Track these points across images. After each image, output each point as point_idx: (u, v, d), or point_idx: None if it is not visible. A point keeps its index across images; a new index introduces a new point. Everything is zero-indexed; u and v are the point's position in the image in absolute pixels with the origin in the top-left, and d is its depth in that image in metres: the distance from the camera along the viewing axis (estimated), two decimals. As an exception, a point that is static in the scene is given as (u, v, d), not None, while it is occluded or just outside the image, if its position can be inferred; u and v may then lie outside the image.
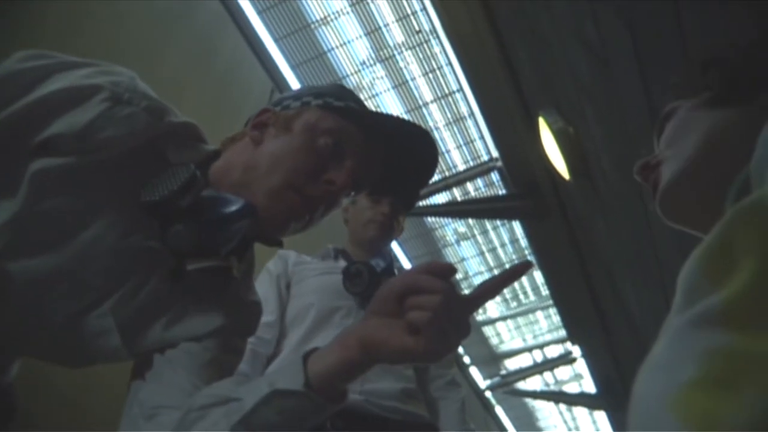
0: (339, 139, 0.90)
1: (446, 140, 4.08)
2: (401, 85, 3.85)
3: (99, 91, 0.81)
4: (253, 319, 1.01)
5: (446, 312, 0.68)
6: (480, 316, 5.48)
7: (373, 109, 3.35)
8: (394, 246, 4.51)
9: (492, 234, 4.83)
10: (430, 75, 3.75)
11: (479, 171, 4.13)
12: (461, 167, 4.17)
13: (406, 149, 0.95)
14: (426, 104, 3.91)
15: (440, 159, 4.05)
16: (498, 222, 4.66)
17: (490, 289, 0.74)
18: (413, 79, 3.80)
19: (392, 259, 1.66)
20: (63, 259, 0.81)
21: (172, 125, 0.88)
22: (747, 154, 0.50)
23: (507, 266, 5.16)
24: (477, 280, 5.19)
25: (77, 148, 0.79)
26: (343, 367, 0.72)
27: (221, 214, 0.81)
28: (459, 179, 4.15)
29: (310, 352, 0.75)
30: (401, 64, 3.76)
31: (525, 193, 3.59)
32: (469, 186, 4.26)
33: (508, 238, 4.91)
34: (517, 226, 4.61)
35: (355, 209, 1.73)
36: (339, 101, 0.93)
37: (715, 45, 0.80)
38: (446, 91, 3.83)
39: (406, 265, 4.64)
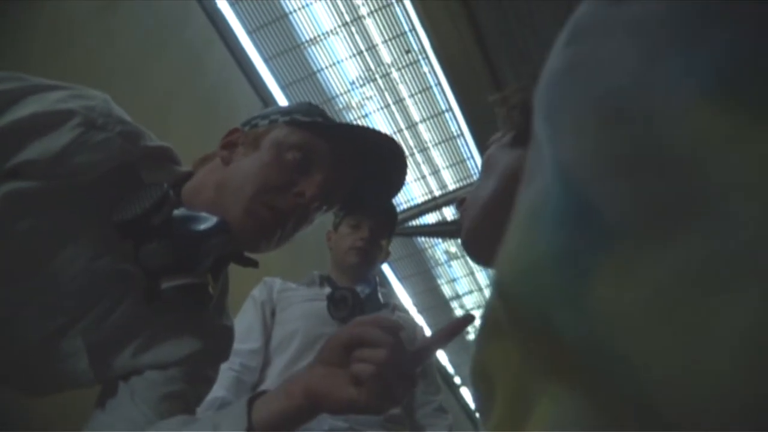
0: (306, 153, 0.90)
1: (436, 160, 4.08)
2: (391, 105, 3.86)
3: (72, 117, 0.79)
4: (225, 345, 0.99)
5: (391, 366, 0.70)
6: (471, 335, 5.45)
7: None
8: (384, 267, 4.50)
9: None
10: (420, 95, 3.77)
11: (470, 191, 4.13)
12: (451, 187, 4.18)
13: (374, 158, 0.95)
14: (416, 124, 3.92)
15: (431, 179, 4.07)
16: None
17: (435, 342, 0.76)
18: (403, 99, 3.81)
19: (377, 284, 1.65)
20: (34, 282, 0.80)
21: (147, 149, 0.86)
22: None
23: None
24: (468, 300, 5.18)
25: (50, 173, 0.78)
26: (286, 415, 0.74)
27: (195, 230, 0.80)
28: (449, 199, 4.15)
29: (256, 396, 0.76)
30: (391, 84, 3.77)
31: (515, 213, 3.59)
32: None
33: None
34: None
35: (337, 236, 1.72)
36: (306, 116, 0.94)
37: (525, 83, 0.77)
38: (436, 111, 3.84)
39: (397, 286, 4.62)
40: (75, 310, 0.83)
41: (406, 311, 1.88)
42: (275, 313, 1.62)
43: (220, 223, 0.82)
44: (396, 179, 1.00)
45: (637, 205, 0.24)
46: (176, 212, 0.82)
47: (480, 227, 0.72)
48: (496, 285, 0.30)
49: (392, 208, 1.78)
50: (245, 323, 1.58)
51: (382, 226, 1.70)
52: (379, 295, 1.64)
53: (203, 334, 0.92)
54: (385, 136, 0.95)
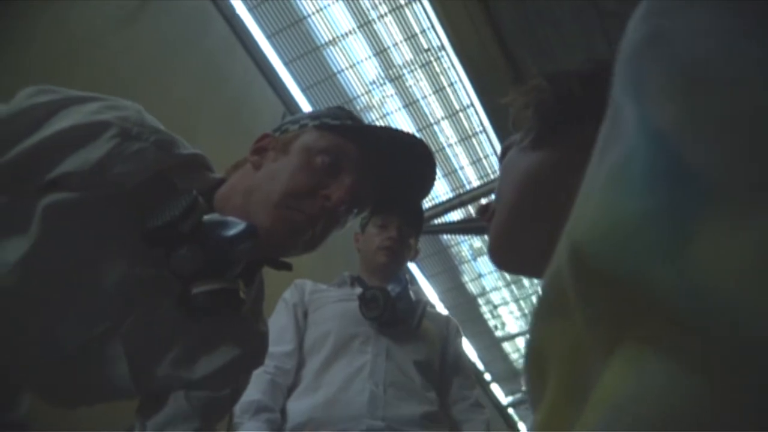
0: (336, 157, 0.90)
1: (459, 156, 4.07)
2: (412, 104, 3.86)
3: (108, 128, 0.81)
4: (260, 351, 1.00)
5: None
6: (499, 332, 5.43)
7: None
8: (412, 266, 4.50)
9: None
10: (440, 93, 3.76)
11: (493, 187, 4.11)
12: (475, 183, 4.16)
13: (403, 161, 0.95)
14: (437, 122, 3.91)
15: (453, 176, 4.06)
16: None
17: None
18: (424, 97, 3.81)
19: (407, 282, 1.65)
20: (74, 290, 0.82)
21: (181, 157, 0.87)
22: (568, 195, 0.47)
23: (524, 281, 5.13)
24: (495, 296, 5.16)
25: (88, 184, 0.79)
26: None
27: (224, 236, 0.81)
28: (473, 196, 4.13)
29: None
30: (410, 83, 3.77)
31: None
32: (484, 202, 4.24)
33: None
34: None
35: (365, 237, 1.73)
36: (335, 120, 0.94)
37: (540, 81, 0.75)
38: (456, 108, 3.83)
39: (424, 284, 4.62)
40: (114, 317, 0.85)
41: (434, 307, 1.88)
42: (307, 314, 1.64)
43: (248, 227, 0.82)
44: (425, 181, 1.01)
45: (739, 168, 0.25)
46: (206, 218, 0.83)
47: (507, 236, 0.71)
48: (570, 252, 0.30)
49: (419, 206, 1.77)
50: (278, 326, 1.60)
51: (410, 225, 1.70)
52: (410, 293, 1.64)
53: (239, 341, 0.93)
54: (414, 137, 0.96)
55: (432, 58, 3.60)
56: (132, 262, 0.84)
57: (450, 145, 4.00)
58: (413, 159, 0.97)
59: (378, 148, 0.93)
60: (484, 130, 3.83)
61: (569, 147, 0.66)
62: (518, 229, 0.69)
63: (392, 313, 1.56)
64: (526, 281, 5.14)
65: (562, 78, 0.72)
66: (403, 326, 1.59)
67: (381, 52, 3.60)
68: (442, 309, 4.91)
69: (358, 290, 1.64)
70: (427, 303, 1.71)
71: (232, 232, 0.81)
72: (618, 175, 0.29)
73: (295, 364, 1.55)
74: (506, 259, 0.74)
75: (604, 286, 0.27)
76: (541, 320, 0.34)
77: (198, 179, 0.90)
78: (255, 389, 1.44)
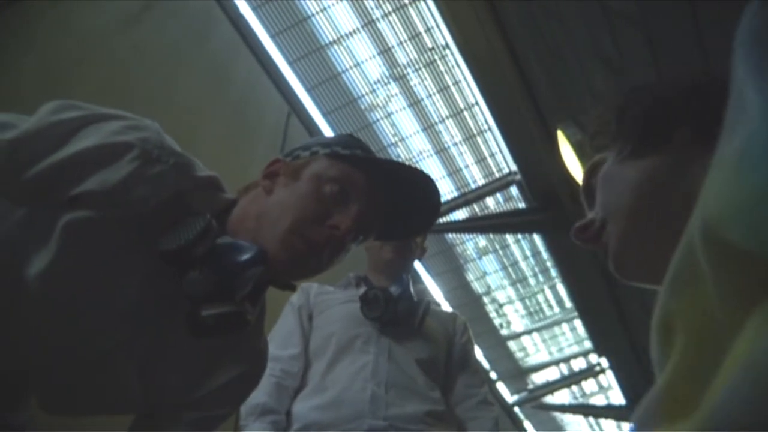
0: (344, 186, 0.92)
1: (464, 155, 4.07)
2: (416, 103, 3.86)
3: (130, 149, 0.82)
4: (259, 370, 1.02)
5: None
6: (504, 330, 5.44)
7: (388, 128, 3.39)
8: (417, 265, 4.51)
9: (514, 247, 4.81)
10: (445, 92, 3.76)
11: (498, 185, 4.11)
12: (480, 182, 4.17)
13: (410, 195, 0.98)
14: (442, 120, 3.91)
15: (458, 175, 4.07)
16: (519, 235, 4.64)
17: None
18: (429, 96, 3.81)
19: (408, 282, 1.65)
20: (89, 305, 0.84)
21: (197, 179, 0.89)
22: (683, 195, 0.48)
23: (530, 279, 5.13)
24: (500, 295, 5.16)
25: (108, 204, 0.81)
26: None
27: (235, 260, 0.83)
28: (478, 194, 4.14)
29: None
30: (415, 81, 3.77)
31: (545, 206, 3.57)
32: (489, 201, 4.24)
33: (530, 251, 4.88)
34: (538, 239, 4.59)
35: None
36: (345, 149, 0.97)
37: (625, 94, 0.77)
38: (461, 107, 3.83)
39: (429, 283, 4.62)
40: (126, 332, 0.87)
41: (440, 305, 1.89)
42: (312, 317, 1.65)
43: (259, 253, 0.84)
44: (429, 217, 1.03)
45: None
46: (219, 241, 0.85)
47: (633, 244, 0.71)
48: (702, 227, 0.33)
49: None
50: (285, 329, 1.61)
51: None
52: (412, 293, 1.64)
53: (240, 360, 0.96)
54: (421, 171, 0.99)
55: (436, 57, 3.60)
56: (146, 280, 0.86)
57: (455, 144, 4.00)
58: (420, 194, 0.99)
59: (386, 179, 0.96)
60: (489, 128, 3.83)
61: (671, 148, 0.69)
62: (644, 235, 0.70)
63: (393, 313, 1.56)
64: (531, 280, 5.15)
65: (643, 90, 0.75)
66: (405, 326, 1.60)
67: (385, 51, 3.60)
68: (447, 308, 4.92)
69: (363, 290, 1.65)
70: (431, 302, 1.71)
71: (244, 257, 0.83)
72: (745, 155, 0.31)
73: (301, 367, 1.56)
74: (635, 268, 0.73)
75: (735, 257, 0.30)
76: (670, 294, 0.37)
77: (212, 200, 0.92)
78: (261, 392, 1.45)
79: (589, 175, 0.81)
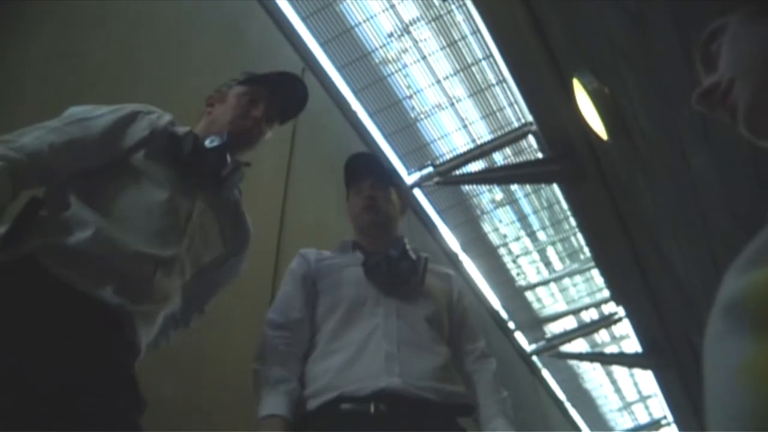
0: (251, 95, 1.55)
1: (478, 107, 4.07)
2: (428, 56, 3.84)
3: (140, 113, 1.43)
4: (245, 239, 1.59)
5: None
6: (521, 281, 5.49)
7: (402, 80, 3.52)
8: (435, 218, 4.55)
9: (531, 197, 4.84)
10: (459, 44, 3.74)
11: (514, 137, 4.11)
12: (496, 133, 4.17)
13: (291, 91, 1.65)
14: (457, 72, 3.90)
15: (473, 127, 4.06)
16: (535, 186, 4.65)
17: None
18: (442, 48, 3.79)
19: (404, 243, 1.70)
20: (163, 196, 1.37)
21: (170, 120, 1.49)
22: None
23: (547, 230, 5.15)
24: (516, 246, 5.20)
25: (146, 143, 1.38)
26: None
27: (218, 144, 1.42)
28: (494, 145, 4.14)
29: None
30: (428, 35, 3.75)
31: (562, 156, 3.57)
32: (508, 151, 4.25)
33: (546, 202, 4.90)
34: (554, 189, 4.60)
35: (349, 206, 1.83)
36: (245, 75, 1.62)
37: None
38: (474, 59, 3.81)
39: (447, 235, 4.66)
40: (191, 206, 1.42)
41: (437, 263, 1.93)
42: (316, 283, 1.69)
43: (224, 137, 1.43)
44: (301, 98, 1.67)
45: None
46: (205, 141, 1.43)
47: (765, 99, 0.72)
48: None
49: (382, 162, 2.02)
50: (287, 296, 1.65)
51: (380, 180, 1.78)
52: (410, 252, 1.69)
53: (238, 223, 1.55)
54: (294, 76, 1.70)
55: (453, 7, 3.57)
56: (177, 182, 1.39)
57: (470, 95, 3.99)
58: (293, 88, 1.66)
59: (275, 85, 1.58)
60: (504, 80, 3.82)
61: None
62: None
63: (396, 277, 1.62)
64: (548, 230, 5.17)
65: None
66: (408, 285, 1.65)
67: (396, 4, 3.58)
68: (465, 259, 4.98)
69: (359, 255, 1.69)
70: (428, 258, 1.75)
71: (219, 141, 1.42)
72: None
73: (307, 332, 1.60)
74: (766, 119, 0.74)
75: None
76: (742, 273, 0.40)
77: (190, 128, 1.50)
78: (271, 361, 1.50)
79: (707, 41, 0.81)
